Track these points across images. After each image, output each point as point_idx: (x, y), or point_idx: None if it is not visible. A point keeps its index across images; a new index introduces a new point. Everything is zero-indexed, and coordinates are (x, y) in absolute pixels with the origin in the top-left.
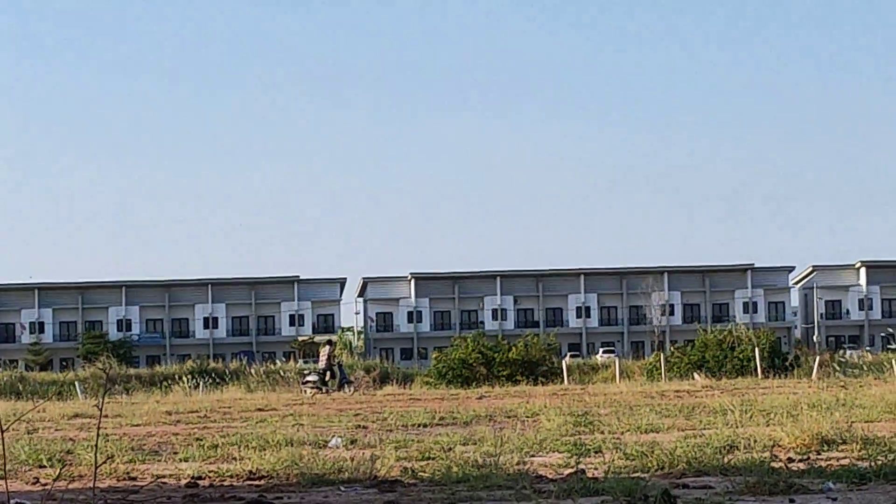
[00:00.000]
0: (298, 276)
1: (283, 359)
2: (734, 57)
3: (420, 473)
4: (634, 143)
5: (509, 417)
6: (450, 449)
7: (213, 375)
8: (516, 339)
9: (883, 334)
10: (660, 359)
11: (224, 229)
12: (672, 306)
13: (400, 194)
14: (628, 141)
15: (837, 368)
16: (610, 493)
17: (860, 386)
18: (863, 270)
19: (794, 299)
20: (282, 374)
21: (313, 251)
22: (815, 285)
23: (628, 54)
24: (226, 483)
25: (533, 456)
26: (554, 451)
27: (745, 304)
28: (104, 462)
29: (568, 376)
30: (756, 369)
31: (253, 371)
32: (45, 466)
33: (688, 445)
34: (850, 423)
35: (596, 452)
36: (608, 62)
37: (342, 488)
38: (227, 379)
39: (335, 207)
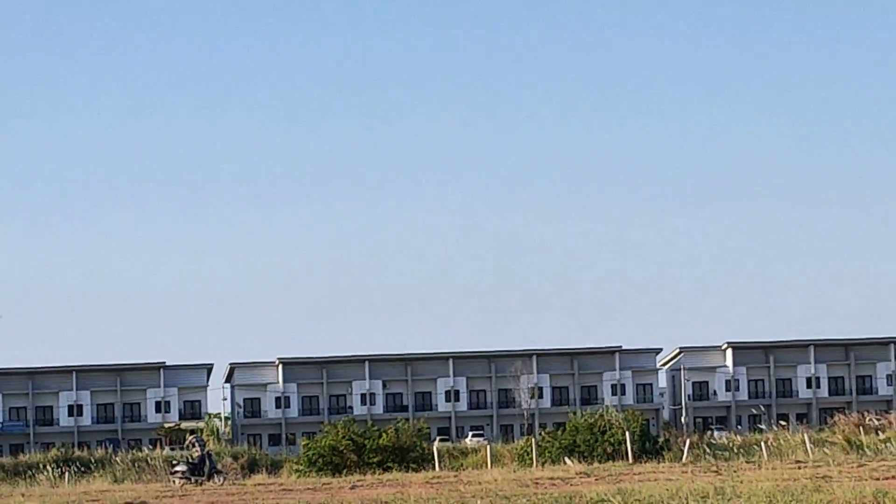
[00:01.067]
0: (164, 363)
1: (150, 446)
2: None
3: None
4: (503, 222)
5: None
6: None
7: (79, 464)
8: (386, 423)
9: (750, 414)
10: (531, 443)
11: (89, 313)
12: (541, 389)
13: (267, 278)
14: (497, 220)
15: (707, 451)
16: None
17: (734, 471)
18: (729, 352)
19: (662, 381)
20: (148, 461)
21: (179, 336)
22: (682, 366)
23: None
24: None
25: None
26: None
27: (614, 387)
28: None
29: (439, 462)
30: (627, 453)
31: (119, 459)
32: None
33: None
34: None
35: None
36: (475, 137)
37: None
38: (92, 468)
39: (201, 292)
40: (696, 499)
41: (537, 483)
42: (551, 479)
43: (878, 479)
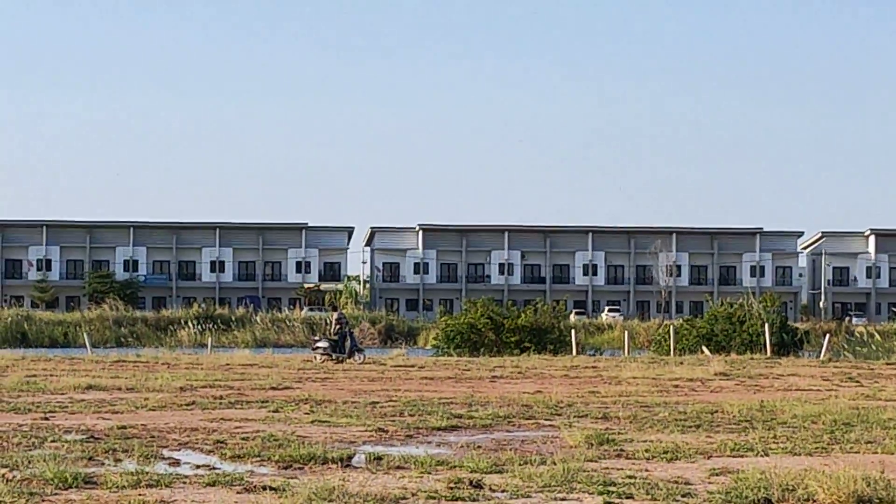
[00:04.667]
0: (307, 224)
1: (289, 305)
2: (742, 15)
3: None
4: (645, 102)
5: (527, 419)
6: (479, 486)
7: (219, 322)
8: (523, 295)
9: (890, 302)
10: (668, 330)
11: (234, 172)
12: (679, 267)
13: (411, 143)
14: (640, 99)
15: (846, 346)
16: None
17: (874, 381)
18: (872, 238)
19: (802, 264)
20: (287, 322)
21: (322, 199)
22: (823, 251)
23: (634, 7)
24: None
25: (563, 499)
26: (584, 492)
27: (753, 268)
28: None
29: (575, 341)
30: (765, 345)
31: (259, 319)
32: (70, 487)
33: (721, 499)
34: (884, 475)
35: (627, 497)
36: (616, 15)
37: None
38: (232, 326)
39: (346, 154)
40: (839, 427)
41: (676, 387)
42: (690, 380)
43: None
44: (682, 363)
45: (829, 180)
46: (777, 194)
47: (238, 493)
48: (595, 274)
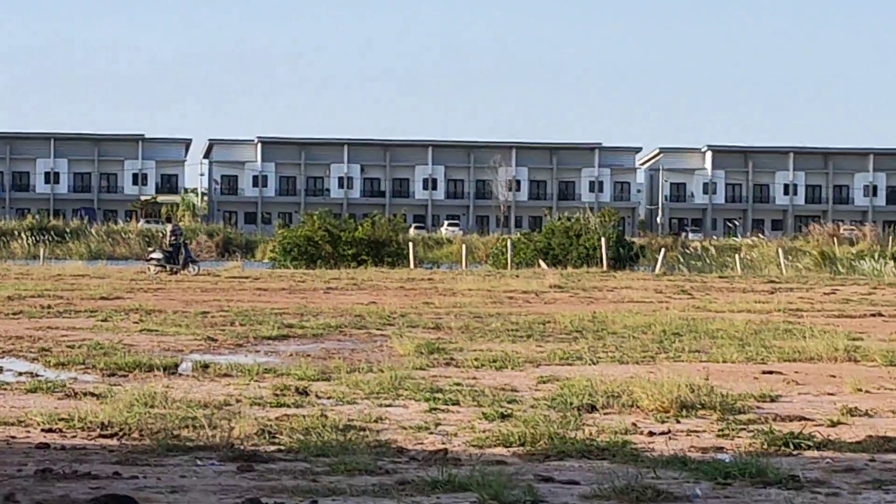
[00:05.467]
0: (143, 135)
1: (126, 218)
2: None
3: (277, 437)
4: (485, 17)
5: (359, 329)
6: (305, 393)
7: (54, 233)
8: (363, 209)
9: (726, 218)
10: (506, 244)
11: (70, 81)
12: (518, 182)
13: (249, 55)
14: (480, 14)
15: (681, 259)
16: (475, 491)
17: (706, 293)
18: (709, 154)
19: (640, 180)
20: (123, 235)
21: (160, 110)
22: (661, 167)
23: None
24: (77, 443)
25: (389, 405)
26: (410, 399)
27: (592, 183)
28: None
29: (414, 255)
30: (602, 259)
31: (94, 231)
32: None
33: (546, 405)
34: (707, 382)
35: (454, 404)
36: None
37: (199, 462)
38: (67, 238)
39: (184, 65)
40: (668, 337)
41: (511, 299)
42: (525, 293)
43: (851, 317)
44: (517, 276)
45: (667, 97)
46: (616, 110)
47: (59, 399)
48: (435, 188)
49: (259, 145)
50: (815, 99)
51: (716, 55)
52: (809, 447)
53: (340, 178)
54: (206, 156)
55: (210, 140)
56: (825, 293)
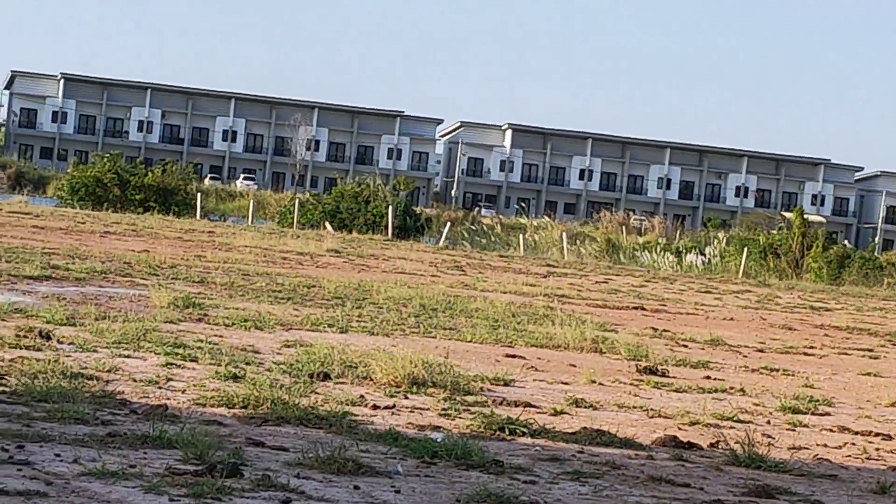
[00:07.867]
0: None
1: None
2: None
3: (5, 378)
4: None
5: (124, 276)
6: (48, 337)
7: None
8: (160, 154)
9: (520, 197)
10: (294, 203)
11: None
12: (318, 143)
13: None
14: None
15: (466, 236)
16: (181, 449)
17: (480, 271)
18: (509, 132)
19: (440, 152)
20: None
21: None
22: (461, 140)
23: None
24: None
25: (128, 356)
26: (150, 352)
27: (391, 150)
28: None
29: (202, 207)
30: (388, 227)
31: None
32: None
33: (283, 369)
34: (447, 360)
35: (192, 360)
36: None
37: None
38: None
39: None
40: (426, 312)
41: (285, 259)
42: (301, 254)
43: (613, 308)
44: (299, 237)
45: (470, 72)
46: (419, 80)
47: None
48: (234, 140)
49: (62, 81)
50: (614, 87)
51: (526, 36)
52: (524, 434)
53: (141, 122)
54: (8, 87)
55: (12, 71)
56: (597, 281)
